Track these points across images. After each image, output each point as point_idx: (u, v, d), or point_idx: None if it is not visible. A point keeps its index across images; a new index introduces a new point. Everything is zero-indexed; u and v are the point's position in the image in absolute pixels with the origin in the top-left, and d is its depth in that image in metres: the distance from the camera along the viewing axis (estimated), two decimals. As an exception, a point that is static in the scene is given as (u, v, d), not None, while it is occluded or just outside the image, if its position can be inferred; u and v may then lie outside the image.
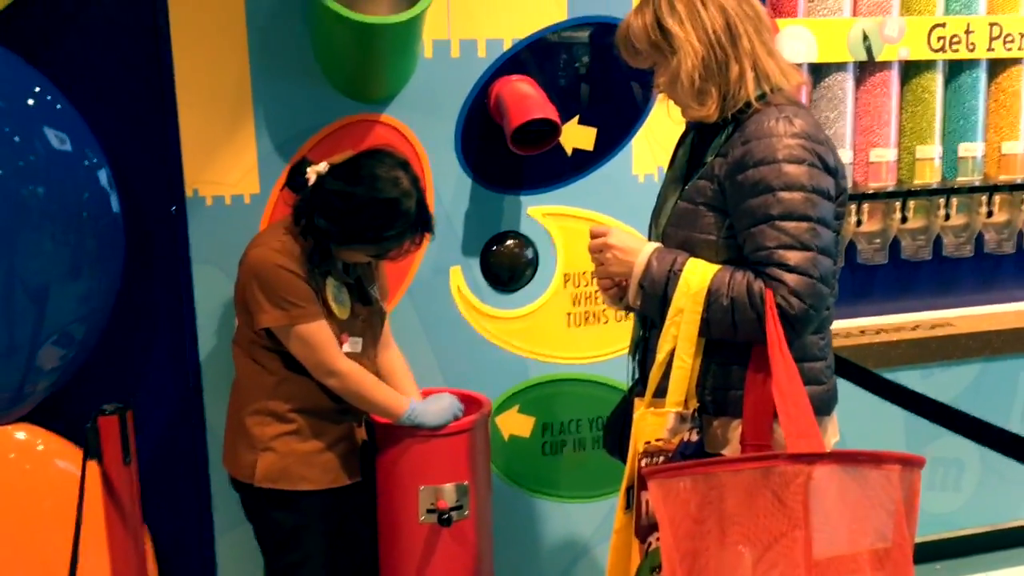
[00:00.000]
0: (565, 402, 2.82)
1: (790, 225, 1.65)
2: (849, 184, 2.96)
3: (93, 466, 1.98)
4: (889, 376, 2.59)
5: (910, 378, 2.99)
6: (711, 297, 1.69)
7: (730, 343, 1.74)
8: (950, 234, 3.26)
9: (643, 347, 1.95)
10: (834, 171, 1.72)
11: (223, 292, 2.48)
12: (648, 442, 1.70)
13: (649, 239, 1.91)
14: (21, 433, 2.35)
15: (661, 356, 1.73)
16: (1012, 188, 3.23)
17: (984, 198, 3.23)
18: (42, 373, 2.30)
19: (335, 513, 2.30)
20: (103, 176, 2.32)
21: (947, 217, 3.21)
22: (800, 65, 2.90)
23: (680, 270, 1.73)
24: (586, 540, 2.90)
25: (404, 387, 2.39)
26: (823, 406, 1.81)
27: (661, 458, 1.69)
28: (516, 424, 2.79)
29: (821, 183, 1.68)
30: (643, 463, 1.69)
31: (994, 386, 3.22)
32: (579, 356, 2.80)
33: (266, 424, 2.21)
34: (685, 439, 1.70)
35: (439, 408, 2.31)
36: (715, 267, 1.73)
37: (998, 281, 3.42)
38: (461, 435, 2.34)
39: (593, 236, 1.88)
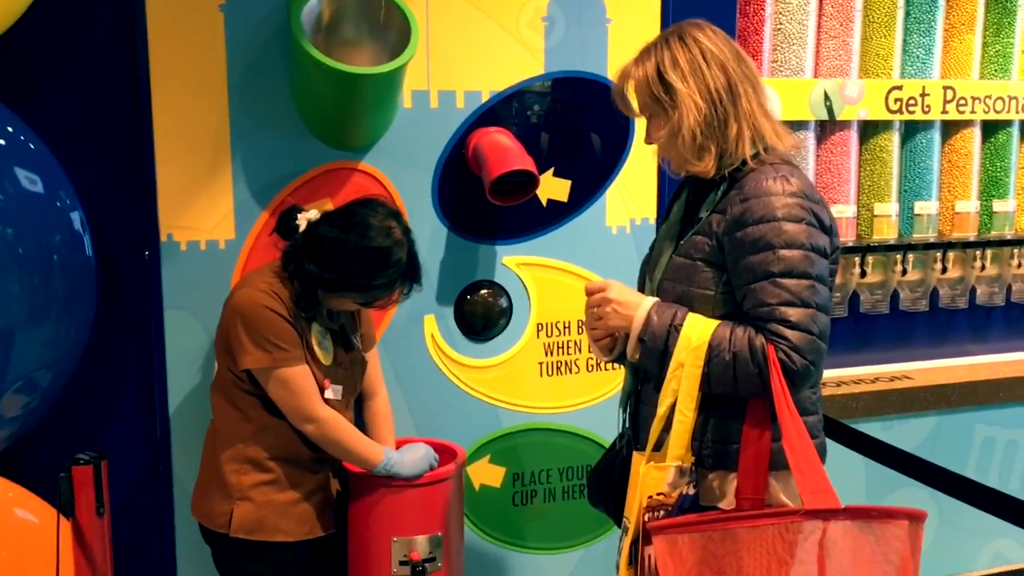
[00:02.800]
0: (536, 452, 2.81)
1: (791, 282, 1.69)
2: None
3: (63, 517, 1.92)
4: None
5: (871, 430, 3.03)
6: (712, 352, 1.71)
7: (729, 397, 1.76)
8: (906, 289, 3.35)
9: (635, 399, 1.96)
10: (828, 229, 1.77)
11: (195, 339, 2.45)
12: (650, 496, 1.70)
13: (642, 292, 1.93)
14: (-24, 482, 2.27)
15: (662, 410, 1.74)
16: (965, 245, 3.34)
17: (939, 255, 3.33)
18: (3, 421, 2.22)
19: (307, 565, 2.26)
20: (76, 219, 2.27)
21: (904, 272, 3.30)
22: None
23: (680, 325, 1.75)
24: (555, 592, 2.89)
25: (382, 435, 2.38)
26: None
27: (662, 512, 1.69)
28: (487, 474, 2.78)
29: (818, 241, 1.72)
30: (646, 517, 1.69)
31: (951, 438, 3.30)
32: (551, 406, 2.80)
33: (244, 472, 2.17)
34: (684, 492, 1.71)
35: (414, 458, 2.29)
36: (715, 322, 1.75)
37: (952, 335, 3.51)
38: (436, 485, 2.33)
39: (591, 292, 1.88)
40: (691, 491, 1.72)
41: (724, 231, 1.76)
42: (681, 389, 1.72)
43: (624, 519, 1.80)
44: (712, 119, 1.76)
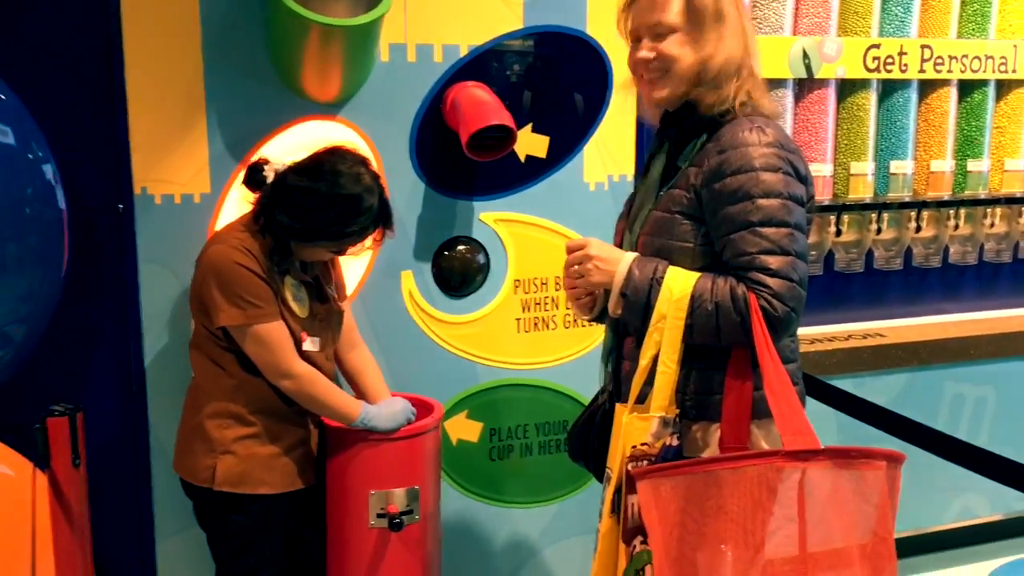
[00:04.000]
0: (513, 407, 2.83)
1: (770, 231, 1.70)
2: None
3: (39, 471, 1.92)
4: (824, 384, 2.68)
5: (844, 386, 3.07)
6: (695, 303, 1.72)
7: (710, 349, 1.78)
8: (881, 248, 3.38)
9: (616, 355, 1.97)
10: (804, 179, 1.78)
11: (170, 293, 2.43)
12: (633, 446, 1.72)
13: (621, 246, 1.93)
14: (-52, 434, 2.26)
15: (644, 362, 1.75)
16: (939, 205, 3.37)
17: (913, 214, 3.36)
18: (-22, 375, 2.21)
19: (288, 517, 2.27)
20: (48, 171, 2.24)
21: (878, 231, 3.33)
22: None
23: (662, 278, 1.75)
24: (532, 544, 2.92)
25: (374, 387, 2.39)
26: None
27: (645, 462, 1.71)
28: (464, 429, 2.79)
29: (795, 190, 1.74)
30: (629, 467, 1.71)
31: (921, 395, 3.35)
32: (528, 362, 2.81)
33: (226, 427, 2.18)
34: (667, 443, 1.73)
35: (392, 412, 2.30)
36: (696, 274, 1.76)
37: (925, 294, 3.55)
38: (413, 439, 2.34)
39: (571, 249, 1.88)
40: (674, 442, 1.74)
41: (702, 183, 1.77)
42: (664, 340, 1.73)
43: (607, 469, 1.82)
44: (739, 65, 1.78)
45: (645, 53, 1.84)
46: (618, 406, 1.81)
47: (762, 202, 1.70)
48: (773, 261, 1.69)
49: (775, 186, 1.71)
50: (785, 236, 1.71)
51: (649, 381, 1.75)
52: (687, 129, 1.84)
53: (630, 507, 1.69)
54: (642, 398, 1.77)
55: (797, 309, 1.72)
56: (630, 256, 1.82)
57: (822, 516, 1.53)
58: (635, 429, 1.72)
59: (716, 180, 1.74)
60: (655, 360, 1.74)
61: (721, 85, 1.78)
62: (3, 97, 2.18)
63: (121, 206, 2.40)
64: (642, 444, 1.71)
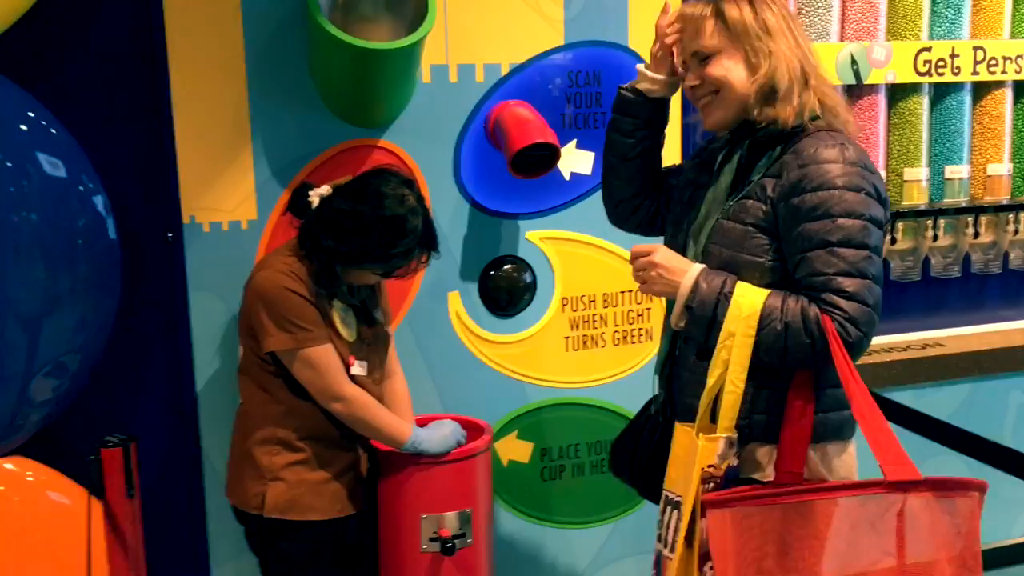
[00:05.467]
0: (564, 427, 2.80)
1: (848, 252, 1.64)
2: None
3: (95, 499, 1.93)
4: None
5: (903, 398, 3.01)
6: (764, 321, 1.67)
7: (765, 368, 1.72)
8: (938, 255, 3.29)
9: (671, 364, 1.92)
10: (883, 201, 1.72)
11: (221, 319, 2.45)
12: (702, 468, 1.68)
13: (683, 254, 1.85)
14: (9, 464, 2.29)
15: (712, 381, 1.70)
16: (997, 209, 3.27)
17: (970, 219, 3.27)
18: (34, 405, 2.24)
19: (339, 542, 2.27)
20: (99, 202, 2.27)
21: (935, 238, 3.25)
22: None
23: (731, 292, 1.70)
24: (585, 566, 2.88)
25: (400, 417, 2.38)
26: (850, 430, 1.82)
27: (711, 485, 1.66)
28: (515, 449, 2.77)
29: (876, 212, 1.68)
30: (703, 492, 1.66)
31: (984, 405, 3.26)
32: (577, 380, 2.79)
33: (275, 453, 2.18)
34: (730, 464, 1.68)
35: (442, 435, 2.29)
36: (765, 291, 1.70)
37: (985, 301, 3.46)
38: (464, 462, 2.32)
39: (637, 255, 1.83)
40: (735, 462, 1.69)
41: (779, 196, 1.71)
42: (731, 359, 1.67)
43: (668, 492, 1.77)
44: (799, 72, 1.74)
45: (691, 80, 1.84)
46: (680, 427, 1.76)
47: (842, 221, 1.65)
48: (849, 284, 1.63)
49: (857, 206, 1.65)
50: (863, 259, 1.65)
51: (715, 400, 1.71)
52: (762, 140, 1.79)
53: (699, 532, 1.65)
54: (693, 415, 1.73)
55: (869, 334, 1.66)
56: (697, 267, 1.76)
57: (920, 547, 1.48)
58: (707, 451, 1.67)
59: (795, 195, 1.69)
60: (721, 378, 1.69)
61: (786, 100, 1.73)
62: (54, 131, 2.22)
63: (170, 235, 2.43)
64: (709, 466, 1.66)
